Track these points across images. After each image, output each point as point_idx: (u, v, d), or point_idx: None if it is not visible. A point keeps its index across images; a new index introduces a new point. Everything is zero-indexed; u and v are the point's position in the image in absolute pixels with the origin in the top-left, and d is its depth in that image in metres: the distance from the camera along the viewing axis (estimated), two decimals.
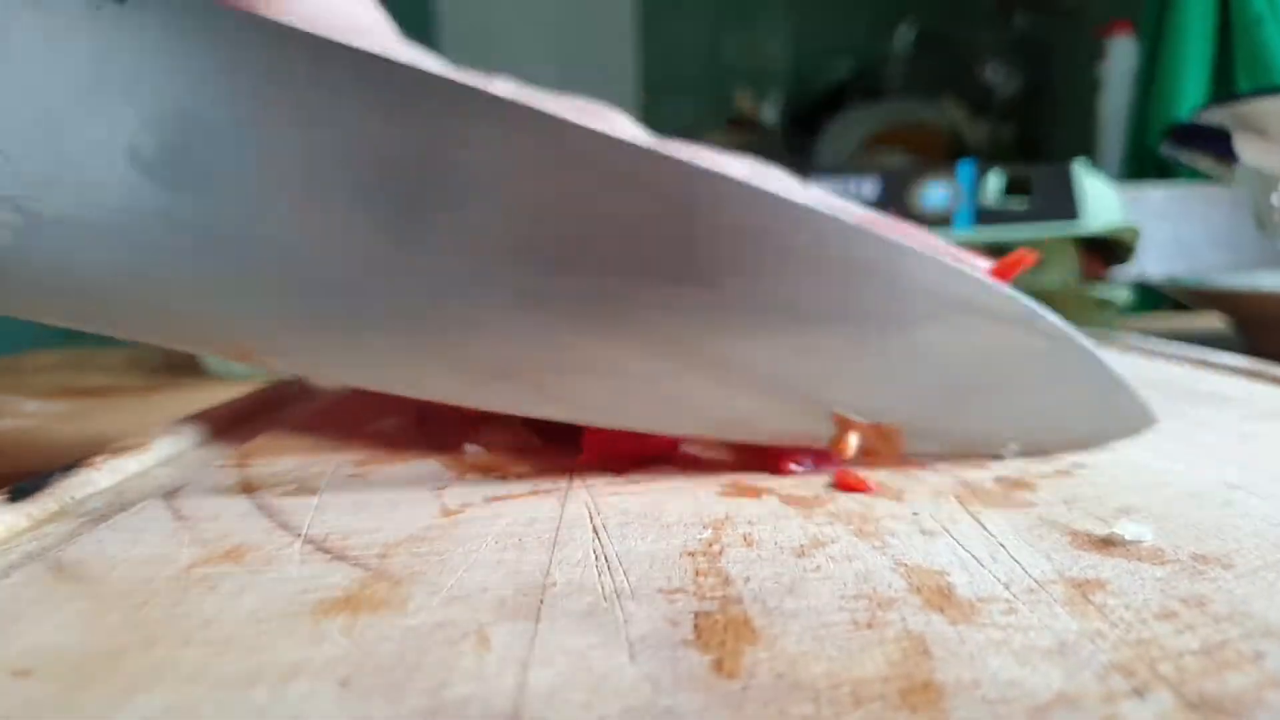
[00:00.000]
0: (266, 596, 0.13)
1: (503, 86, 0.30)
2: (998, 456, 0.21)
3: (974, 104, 1.58)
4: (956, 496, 0.18)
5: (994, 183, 0.65)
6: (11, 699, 0.11)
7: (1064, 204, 0.62)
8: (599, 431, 0.21)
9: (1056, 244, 0.62)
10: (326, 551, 0.15)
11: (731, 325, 0.18)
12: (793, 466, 0.20)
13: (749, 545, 0.15)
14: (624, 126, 0.30)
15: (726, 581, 0.14)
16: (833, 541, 0.15)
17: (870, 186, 0.66)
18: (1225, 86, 0.95)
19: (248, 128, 0.16)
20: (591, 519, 0.17)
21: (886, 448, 0.20)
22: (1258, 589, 0.13)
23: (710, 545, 0.15)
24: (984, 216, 0.63)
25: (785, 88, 1.74)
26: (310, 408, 0.29)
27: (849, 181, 0.66)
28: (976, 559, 0.14)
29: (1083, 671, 0.11)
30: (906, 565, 0.14)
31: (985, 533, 0.16)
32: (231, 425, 0.27)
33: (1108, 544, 0.15)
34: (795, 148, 1.56)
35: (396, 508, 0.18)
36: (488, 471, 0.21)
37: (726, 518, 0.17)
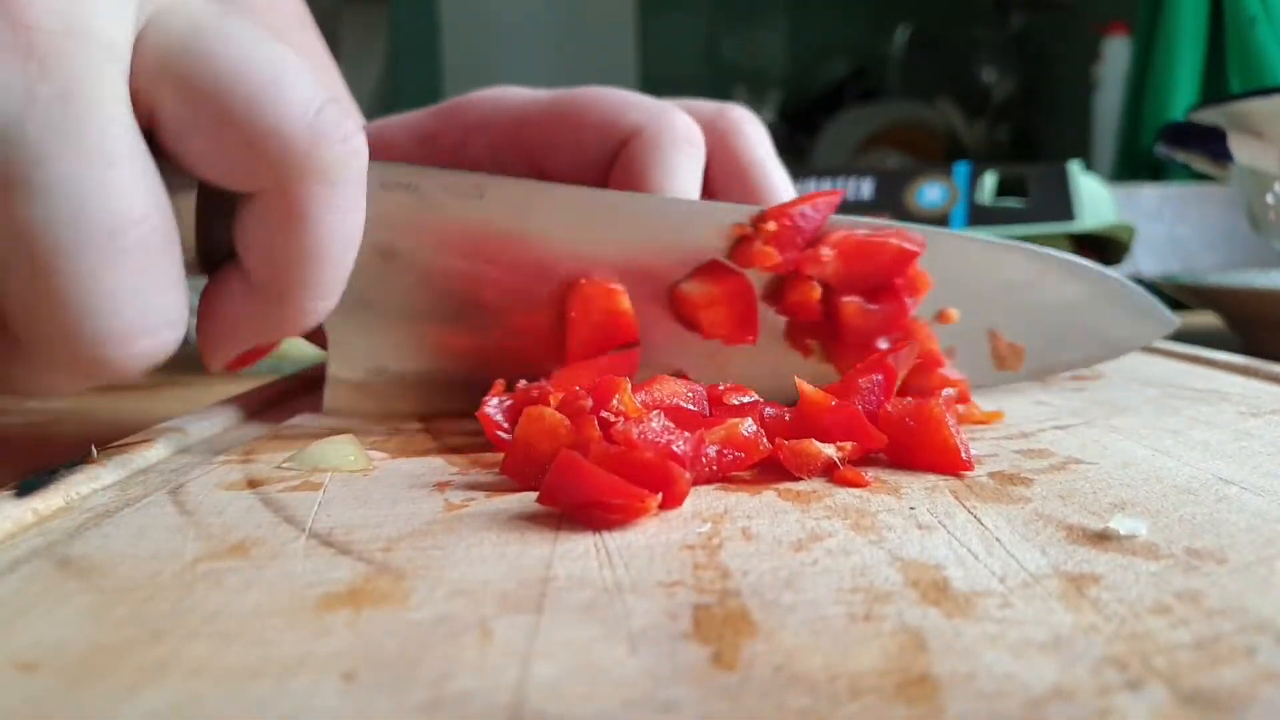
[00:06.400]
0: (271, 591, 0.13)
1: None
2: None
3: (970, 105, 1.59)
4: (952, 491, 0.18)
5: (990, 183, 0.65)
6: (17, 693, 0.11)
7: (1059, 203, 0.62)
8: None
9: (1052, 243, 0.62)
10: (331, 546, 0.15)
11: None
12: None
13: (747, 539, 0.16)
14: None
15: (725, 575, 0.14)
16: (830, 536, 0.16)
17: (867, 187, 0.66)
18: (1218, 87, 0.95)
19: None
20: None
21: (1014, 360, 0.28)
22: (1251, 584, 0.13)
23: (709, 539, 0.16)
24: (980, 216, 0.63)
25: (783, 88, 1.74)
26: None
27: (846, 181, 0.66)
28: (972, 553, 0.15)
29: (1077, 665, 0.11)
30: (903, 559, 0.14)
31: (981, 527, 0.16)
32: (264, 408, 0.28)
33: (1102, 539, 0.15)
34: (793, 148, 1.56)
35: (400, 503, 0.18)
36: (490, 467, 0.21)
37: (725, 512, 0.17)
